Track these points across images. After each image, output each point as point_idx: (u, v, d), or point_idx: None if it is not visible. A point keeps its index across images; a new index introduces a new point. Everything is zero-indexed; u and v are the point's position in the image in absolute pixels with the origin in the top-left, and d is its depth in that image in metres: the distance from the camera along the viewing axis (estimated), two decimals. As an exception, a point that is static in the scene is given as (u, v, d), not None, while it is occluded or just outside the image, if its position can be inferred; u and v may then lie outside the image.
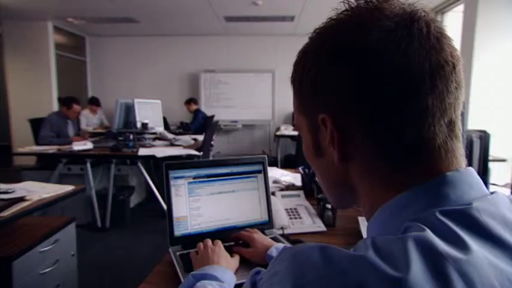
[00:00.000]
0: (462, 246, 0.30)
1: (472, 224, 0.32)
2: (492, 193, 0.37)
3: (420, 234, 0.30)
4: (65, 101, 3.92)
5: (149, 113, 3.99)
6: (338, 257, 0.30)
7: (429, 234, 0.30)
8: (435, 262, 0.28)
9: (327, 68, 0.39)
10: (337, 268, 0.29)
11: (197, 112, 5.99)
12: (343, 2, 0.40)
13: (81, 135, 4.24)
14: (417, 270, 0.27)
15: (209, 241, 0.91)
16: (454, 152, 0.37)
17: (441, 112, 0.36)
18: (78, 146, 3.41)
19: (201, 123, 5.79)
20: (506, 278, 0.29)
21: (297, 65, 0.44)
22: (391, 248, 0.30)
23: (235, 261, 0.88)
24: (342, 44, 0.38)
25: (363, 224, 1.14)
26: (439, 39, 0.36)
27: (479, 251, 0.30)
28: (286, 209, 1.27)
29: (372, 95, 0.36)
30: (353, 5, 0.39)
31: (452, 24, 4.75)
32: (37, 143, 3.71)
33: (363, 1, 0.39)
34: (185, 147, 3.71)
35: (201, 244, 0.90)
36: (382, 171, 0.38)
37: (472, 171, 0.38)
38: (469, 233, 0.31)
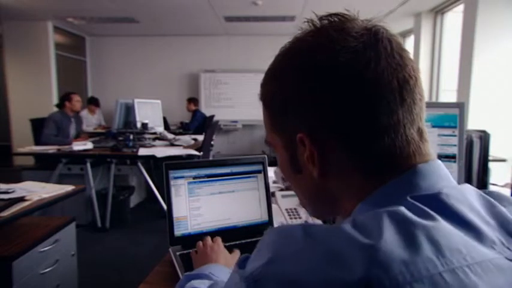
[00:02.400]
0: (431, 217, 0.32)
1: (440, 206, 0.34)
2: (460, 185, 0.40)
3: (393, 208, 0.33)
4: (63, 97, 3.91)
5: (149, 113, 3.99)
6: (316, 231, 0.32)
7: (402, 208, 0.33)
8: (406, 229, 0.30)
9: (299, 88, 0.40)
10: (314, 240, 0.31)
11: (196, 112, 6.01)
12: (307, 21, 0.42)
13: (81, 136, 4.24)
14: (389, 237, 0.29)
15: (209, 239, 0.91)
16: (425, 152, 0.40)
17: (410, 122, 0.39)
18: (78, 146, 3.41)
19: (200, 123, 5.80)
20: (471, 246, 0.31)
21: (266, 85, 0.45)
22: (366, 221, 0.32)
23: (233, 258, 0.88)
24: (313, 64, 0.39)
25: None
26: (401, 55, 0.39)
27: (447, 223, 0.32)
28: (286, 209, 1.27)
29: (346, 113, 0.38)
30: (318, 26, 0.41)
31: (452, 24, 4.75)
32: (39, 142, 3.69)
33: (326, 21, 0.41)
34: (185, 147, 3.71)
35: (200, 243, 0.90)
36: (361, 183, 0.40)
37: (441, 164, 0.40)
38: (437, 212, 0.33)
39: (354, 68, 0.37)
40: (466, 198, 0.36)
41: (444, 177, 0.39)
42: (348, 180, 0.41)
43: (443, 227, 0.31)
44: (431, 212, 0.33)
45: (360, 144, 0.38)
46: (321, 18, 0.41)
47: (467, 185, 0.40)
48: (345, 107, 0.37)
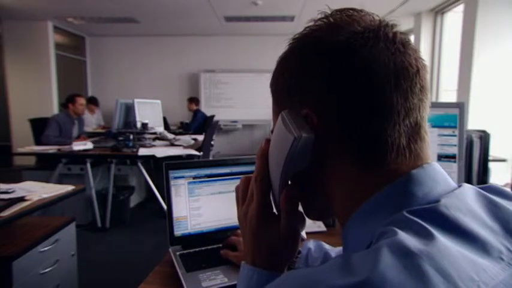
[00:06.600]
0: (432, 239, 0.30)
1: (441, 220, 0.32)
2: (459, 186, 0.38)
3: (392, 239, 0.30)
4: (68, 99, 3.92)
5: (149, 113, 3.99)
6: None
7: (401, 237, 0.30)
8: (410, 263, 0.28)
9: (301, 65, 0.41)
10: None
11: (196, 112, 6.01)
12: (320, 13, 0.42)
13: (82, 137, 4.23)
14: (386, 270, 0.27)
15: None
16: (419, 153, 0.39)
17: (406, 111, 0.37)
18: (78, 146, 3.41)
19: (201, 123, 5.80)
20: (481, 269, 0.29)
21: (276, 70, 0.45)
22: (362, 257, 0.29)
23: None
24: (314, 41, 0.40)
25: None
26: (404, 44, 0.39)
27: (451, 245, 0.30)
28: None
29: (340, 88, 0.38)
30: (328, 14, 0.42)
31: (452, 24, 4.75)
32: (40, 142, 3.68)
33: (338, 12, 0.42)
34: (185, 147, 3.71)
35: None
36: (353, 178, 0.39)
37: (436, 166, 0.39)
38: (440, 229, 0.31)
39: (350, 44, 0.38)
40: (466, 205, 0.35)
41: (441, 181, 0.38)
42: (341, 173, 0.40)
43: (449, 251, 0.29)
44: (432, 231, 0.31)
45: (350, 124, 0.38)
46: (334, 11, 0.42)
47: (466, 186, 0.38)
48: (339, 82, 0.38)
